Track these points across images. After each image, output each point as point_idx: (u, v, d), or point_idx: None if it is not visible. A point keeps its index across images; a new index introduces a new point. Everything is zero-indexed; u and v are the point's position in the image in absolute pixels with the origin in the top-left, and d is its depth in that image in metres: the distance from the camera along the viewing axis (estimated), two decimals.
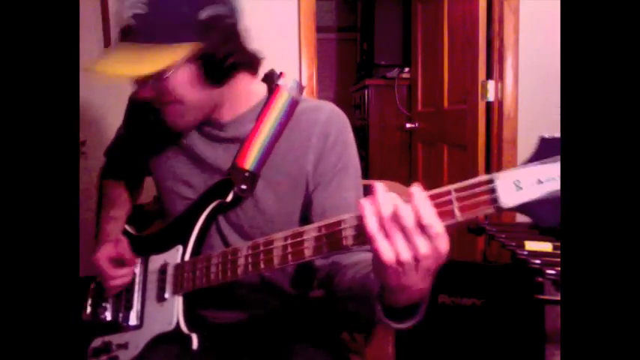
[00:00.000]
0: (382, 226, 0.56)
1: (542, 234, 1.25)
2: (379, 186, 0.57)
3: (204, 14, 0.79)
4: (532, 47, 2.01)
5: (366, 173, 3.00)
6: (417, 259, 0.56)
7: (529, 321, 1.42)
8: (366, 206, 0.57)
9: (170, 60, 0.78)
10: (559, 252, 1.11)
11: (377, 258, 0.57)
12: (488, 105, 2.06)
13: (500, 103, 2.04)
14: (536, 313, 1.39)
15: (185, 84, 0.83)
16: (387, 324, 0.68)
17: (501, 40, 2.02)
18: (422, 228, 0.55)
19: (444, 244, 0.56)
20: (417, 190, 0.56)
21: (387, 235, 0.56)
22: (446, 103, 2.36)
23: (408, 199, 0.56)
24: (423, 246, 0.55)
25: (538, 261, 1.06)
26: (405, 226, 0.55)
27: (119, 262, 0.97)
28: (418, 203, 0.55)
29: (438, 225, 0.55)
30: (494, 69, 2.05)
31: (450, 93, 2.33)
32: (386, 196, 0.57)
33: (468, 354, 1.55)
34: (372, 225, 0.56)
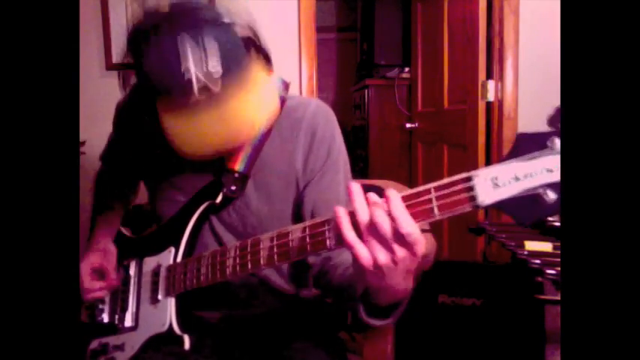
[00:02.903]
0: (359, 233, 0.58)
1: (542, 234, 1.25)
2: (356, 190, 0.59)
3: (248, 31, 0.78)
4: (532, 47, 2.01)
5: (366, 173, 3.00)
6: (394, 262, 0.57)
7: (529, 321, 1.42)
8: (342, 215, 0.59)
9: (264, 66, 0.79)
10: (559, 252, 1.11)
11: (356, 262, 0.59)
12: (488, 105, 2.06)
13: (500, 103, 2.04)
14: (536, 313, 1.39)
15: None
16: (369, 323, 0.70)
17: (501, 40, 2.02)
18: (398, 236, 0.56)
19: (420, 248, 0.57)
20: (393, 194, 0.57)
21: (364, 241, 0.58)
22: (446, 103, 2.36)
23: (384, 203, 0.57)
24: (400, 251, 0.57)
25: (538, 261, 1.06)
26: (382, 235, 0.57)
27: (100, 273, 0.98)
28: (394, 210, 0.56)
29: (415, 232, 0.56)
30: (494, 69, 2.05)
31: (450, 93, 2.33)
32: (362, 203, 0.58)
33: (468, 354, 1.55)
34: (349, 234, 0.58)
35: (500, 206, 0.56)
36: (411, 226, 0.56)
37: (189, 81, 0.71)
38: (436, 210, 0.58)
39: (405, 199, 0.59)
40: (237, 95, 0.74)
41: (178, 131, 0.76)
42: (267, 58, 0.82)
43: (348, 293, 0.76)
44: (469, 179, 0.56)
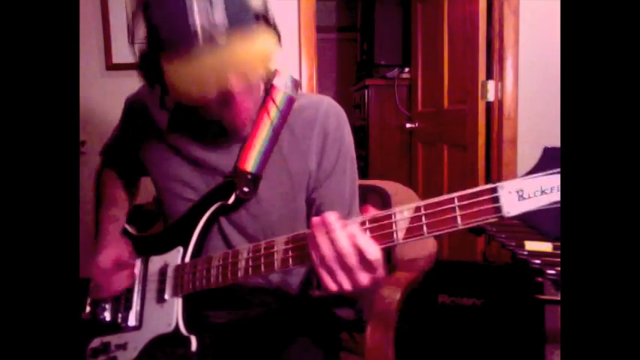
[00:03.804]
0: (326, 264, 0.64)
1: (542, 234, 1.25)
2: (321, 222, 0.64)
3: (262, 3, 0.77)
4: (532, 47, 2.01)
5: (366, 173, 3.00)
6: (357, 288, 0.64)
7: (529, 321, 1.42)
8: (313, 243, 0.65)
9: (275, 38, 0.78)
10: (559, 252, 1.11)
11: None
12: (488, 105, 2.06)
13: (500, 103, 2.04)
14: (536, 313, 1.39)
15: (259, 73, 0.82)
16: None
17: (501, 40, 2.02)
18: (364, 263, 0.62)
19: (381, 272, 0.64)
20: (354, 226, 0.64)
21: (329, 272, 0.64)
22: (446, 103, 2.36)
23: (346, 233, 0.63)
24: (363, 278, 0.63)
25: (538, 261, 1.05)
26: (348, 266, 0.63)
27: (121, 265, 0.97)
28: (359, 239, 0.62)
29: (379, 258, 0.62)
30: (494, 69, 2.05)
31: (450, 93, 2.33)
32: (325, 238, 0.64)
33: (468, 354, 1.55)
34: (315, 260, 0.65)
35: (526, 218, 0.57)
36: (376, 253, 0.62)
37: (196, 33, 0.70)
38: (459, 219, 0.59)
39: (426, 207, 0.62)
40: (240, 44, 0.72)
41: (179, 74, 0.74)
42: (274, 28, 0.80)
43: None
44: (494, 190, 0.57)
